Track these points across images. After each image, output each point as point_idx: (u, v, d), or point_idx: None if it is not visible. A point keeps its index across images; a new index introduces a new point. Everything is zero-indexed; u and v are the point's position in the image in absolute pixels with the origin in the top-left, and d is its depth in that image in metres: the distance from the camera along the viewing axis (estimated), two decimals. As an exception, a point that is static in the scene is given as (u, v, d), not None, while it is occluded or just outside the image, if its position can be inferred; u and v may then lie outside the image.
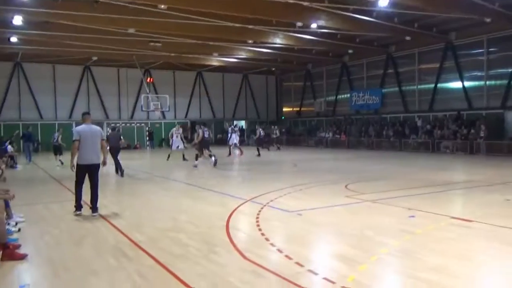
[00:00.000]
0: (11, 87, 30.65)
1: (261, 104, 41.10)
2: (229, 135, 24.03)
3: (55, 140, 19.09)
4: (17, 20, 19.04)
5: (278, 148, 27.69)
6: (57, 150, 18.97)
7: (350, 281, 4.42)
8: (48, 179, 14.71)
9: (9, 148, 19.11)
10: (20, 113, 30.94)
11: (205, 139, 17.53)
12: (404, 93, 28.63)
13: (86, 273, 4.85)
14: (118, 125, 32.72)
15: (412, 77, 28.14)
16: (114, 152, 14.66)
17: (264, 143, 25.89)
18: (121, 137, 15.77)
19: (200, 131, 17.27)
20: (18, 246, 5.76)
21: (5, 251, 5.36)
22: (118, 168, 14.55)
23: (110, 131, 17.51)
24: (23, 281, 4.70)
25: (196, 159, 17.41)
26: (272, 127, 30.83)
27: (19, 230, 6.86)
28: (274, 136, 29.07)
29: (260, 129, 25.38)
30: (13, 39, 23.04)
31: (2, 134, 26.65)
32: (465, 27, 23.49)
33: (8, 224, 6.71)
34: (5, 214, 6.54)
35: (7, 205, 6.96)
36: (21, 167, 18.78)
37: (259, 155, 22.70)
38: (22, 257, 5.39)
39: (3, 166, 7.69)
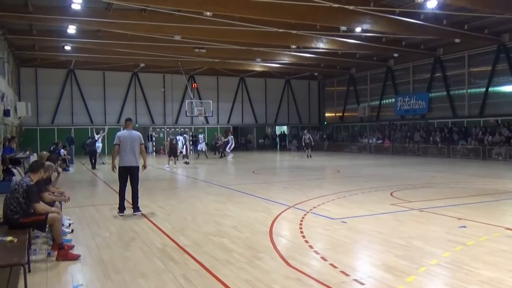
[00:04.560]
0: (64, 93, 32.24)
1: (303, 109, 40.88)
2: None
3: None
4: (71, 29, 20.10)
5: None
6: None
7: (398, 293, 4.31)
8: (98, 182, 15.33)
9: (62, 151, 20.10)
10: (73, 118, 32.45)
11: (172, 146, 20.17)
12: (453, 97, 27.60)
13: (135, 276, 5.00)
14: (158, 130, 33.74)
15: (462, 81, 27.05)
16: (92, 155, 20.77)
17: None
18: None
19: (169, 139, 20.89)
20: (72, 247, 6.05)
21: (60, 251, 5.63)
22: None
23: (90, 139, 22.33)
24: (77, 281, 4.91)
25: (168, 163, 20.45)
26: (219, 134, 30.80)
27: (72, 231, 7.20)
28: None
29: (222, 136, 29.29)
30: (67, 47, 24.28)
31: (56, 138, 27.98)
32: (519, 28, 22.43)
33: (62, 225, 7.04)
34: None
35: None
36: (73, 170, 19.76)
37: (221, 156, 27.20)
38: (76, 257, 5.65)
39: (60, 170, 8.05)
